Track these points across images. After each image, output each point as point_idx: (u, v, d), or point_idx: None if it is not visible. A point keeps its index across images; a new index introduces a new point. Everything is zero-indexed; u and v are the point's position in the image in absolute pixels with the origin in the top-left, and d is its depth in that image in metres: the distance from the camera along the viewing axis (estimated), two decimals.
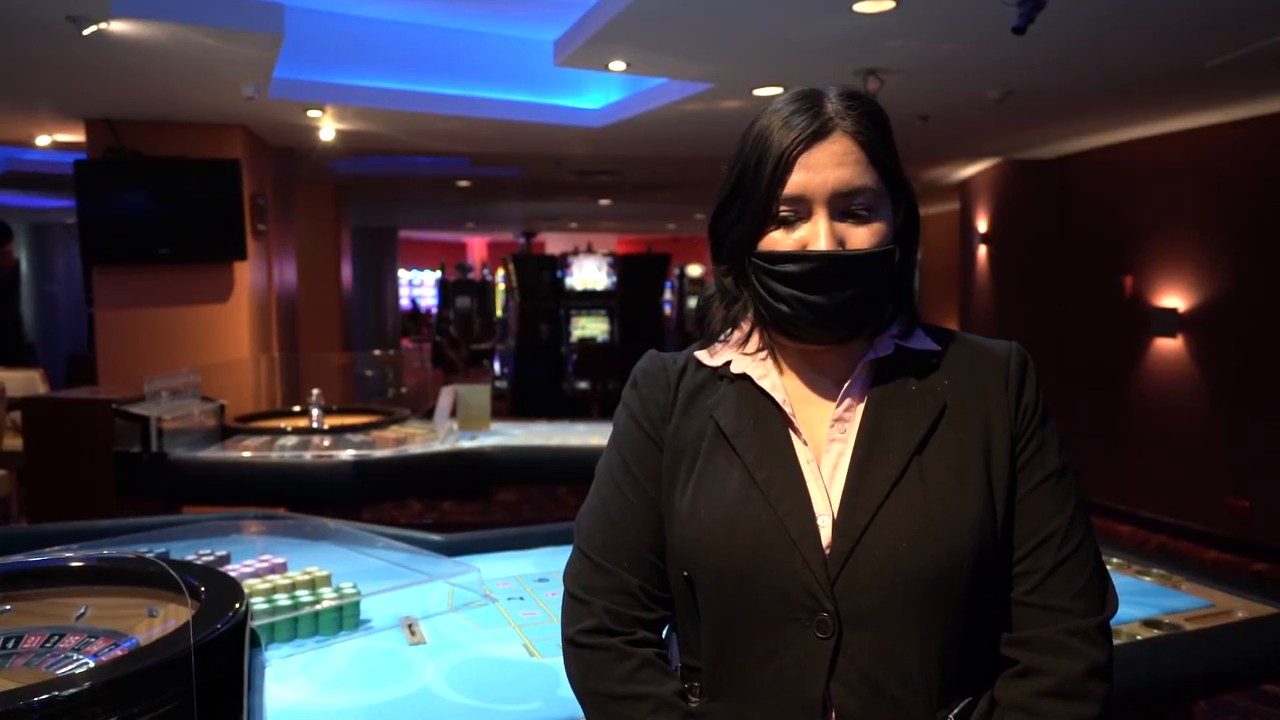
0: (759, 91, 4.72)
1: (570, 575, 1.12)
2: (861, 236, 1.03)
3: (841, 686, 0.98)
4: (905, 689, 0.98)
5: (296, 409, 4.96)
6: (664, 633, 1.13)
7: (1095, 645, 1.01)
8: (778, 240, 1.04)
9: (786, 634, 0.99)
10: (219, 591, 1.54)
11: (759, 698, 1.01)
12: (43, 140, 6.01)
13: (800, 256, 1.02)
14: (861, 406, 1.07)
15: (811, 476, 1.03)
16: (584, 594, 1.09)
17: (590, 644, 1.06)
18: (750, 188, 1.05)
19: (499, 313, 15.05)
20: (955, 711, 1.00)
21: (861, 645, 0.98)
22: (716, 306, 1.15)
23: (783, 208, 1.03)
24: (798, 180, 1.02)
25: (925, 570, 0.98)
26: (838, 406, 1.07)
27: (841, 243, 1.02)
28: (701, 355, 1.15)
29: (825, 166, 1.01)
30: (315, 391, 4.54)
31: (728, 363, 1.12)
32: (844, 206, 1.02)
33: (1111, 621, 1.04)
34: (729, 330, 1.14)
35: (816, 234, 1.02)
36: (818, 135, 1.02)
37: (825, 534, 1.00)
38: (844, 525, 1.00)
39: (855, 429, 1.05)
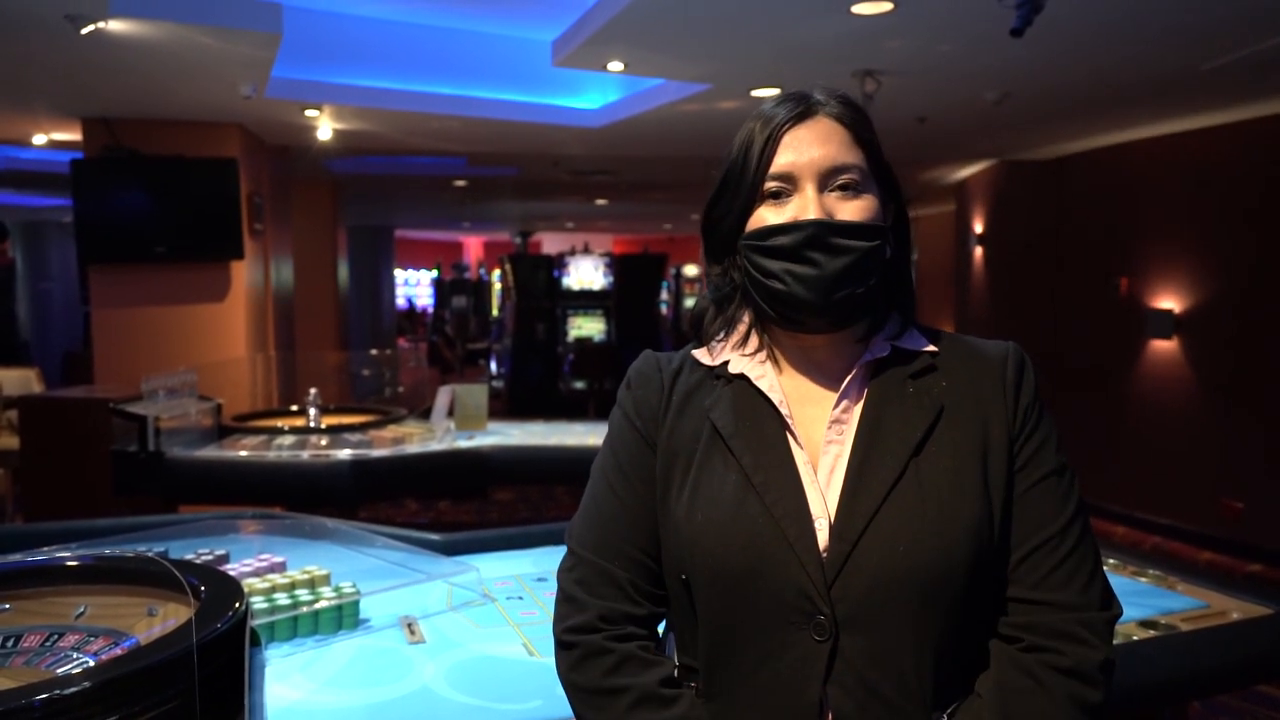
0: (756, 92, 4.73)
1: (563, 573, 1.12)
2: (850, 210, 1.05)
3: (838, 689, 0.98)
4: (901, 692, 0.97)
5: (293, 408, 4.95)
6: (661, 631, 1.13)
7: (1103, 640, 1.01)
8: (767, 218, 1.07)
9: (783, 637, 0.99)
10: (219, 590, 1.54)
11: (755, 700, 1.01)
12: (39, 139, 6.00)
13: (791, 226, 1.05)
14: (859, 408, 1.07)
15: (808, 479, 1.03)
16: (575, 592, 1.09)
17: (576, 641, 1.06)
18: (740, 172, 1.08)
19: (495, 312, 15.07)
20: (949, 712, 1.00)
21: (858, 648, 0.97)
22: (709, 317, 1.16)
23: (771, 184, 1.06)
24: (784, 158, 1.06)
25: (922, 574, 0.97)
26: (835, 408, 1.07)
27: (830, 216, 1.05)
28: (699, 354, 1.15)
29: (811, 143, 1.06)
30: (312, 391, 4.53)
31: (725, 363, 1.12)
32: (831, 183, 1.06)
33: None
34: (725, 332, 1.14)
35: (805, 207, 1.05)
36: (803, 116, 1.07)
37: (822, 537, 1.00)
38: (841, 529, 1.00)
39: (852, 431, 1.05)
